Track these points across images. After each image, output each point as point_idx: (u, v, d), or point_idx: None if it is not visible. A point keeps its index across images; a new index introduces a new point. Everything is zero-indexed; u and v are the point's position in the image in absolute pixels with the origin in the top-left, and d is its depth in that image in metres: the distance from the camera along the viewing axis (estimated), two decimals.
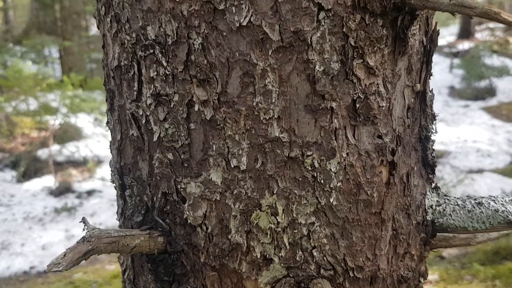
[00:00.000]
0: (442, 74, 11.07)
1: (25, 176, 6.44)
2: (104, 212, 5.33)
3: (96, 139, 7.59)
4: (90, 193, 5.94)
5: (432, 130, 1.02)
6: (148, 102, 0.90)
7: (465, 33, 14.42)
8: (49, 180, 6.22)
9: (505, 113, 8.56)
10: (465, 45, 12.94)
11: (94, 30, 13.35)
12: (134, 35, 0.88)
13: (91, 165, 6.79)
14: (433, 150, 1.03)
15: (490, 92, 9.70)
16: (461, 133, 7.49)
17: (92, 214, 5.27)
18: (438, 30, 0.95)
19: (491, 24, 13.65)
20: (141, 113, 0.92)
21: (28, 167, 6.56)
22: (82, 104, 6.79)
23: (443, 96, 10.03)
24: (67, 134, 7.33)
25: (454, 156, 6.51)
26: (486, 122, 8.15)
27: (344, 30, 0.81)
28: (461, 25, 14.75)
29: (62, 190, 5.91)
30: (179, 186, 0.91)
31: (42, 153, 7.00)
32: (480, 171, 5.89)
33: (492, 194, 1.01)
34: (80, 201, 5.69)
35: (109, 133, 1.06)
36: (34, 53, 9.54)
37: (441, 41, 13.18)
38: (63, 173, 6.57)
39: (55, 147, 6.98)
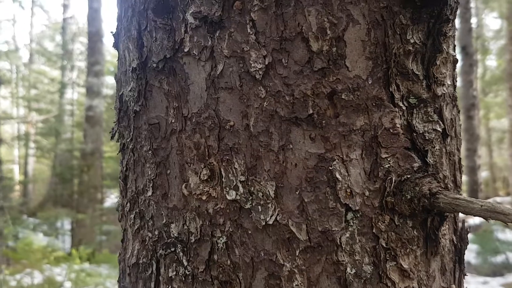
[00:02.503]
0: None
1: None
2: None
3: None
4: None
5: None
6: None
7: None
8: None
9: None
10: (475, 219, 12.91)
11: (109, 202, 13.72)
12: (156, 233, 0.87)
13: None
14: None
15: (508, 267, 9.29)
16: None
17: None
18: (467, 228, 0.92)
19: (499, 199, 13.82)
20: None
21: None
22: (87, 278, 6.57)
23: None
24: None
25: None
26: None
27: (374, 231, 0.79)
28: (468, 194, 15.01)
29: None
30: None
31: None
32: None
33: None
34: None
35: None
36: (46, 225, 9.65)
37: None
38: None
39: None
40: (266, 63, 0.81)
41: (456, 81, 0.95)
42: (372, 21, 0.81)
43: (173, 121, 0.88)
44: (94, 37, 10.37)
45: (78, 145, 12.01)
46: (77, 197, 10.91)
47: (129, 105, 0.97)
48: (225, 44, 0.84)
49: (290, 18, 0.81)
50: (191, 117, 0.86)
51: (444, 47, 0.87)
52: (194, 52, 0.86)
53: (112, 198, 14.27)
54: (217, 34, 0.84)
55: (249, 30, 0.82)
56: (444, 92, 0.88)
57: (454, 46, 0.94)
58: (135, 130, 0.95)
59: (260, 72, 0.82)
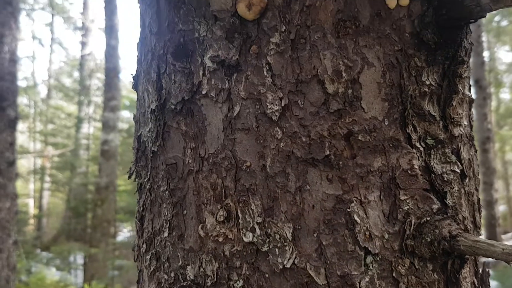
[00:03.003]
0: None
1: None
2: None
3: None
4: None
5: None
6: None
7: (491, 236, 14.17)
8: None
9: None
10: None
11: (122, 236, 13.68)
12: (172, 275, 0.86)
13: None
14: None
15: None
16: None
17: None
18: (488, 271, 0.90)
19: None
20: None
21: None
22: None
23: None
24: None
25: None
26: None
27: (394, 275, 0.77)
28: (486, 228, 14.61)
29: None
30: None
31: None
32: None
33: None
34: None
35: None
36: (59, 259, 9.62)
37: None
38: None
39: None
40: (283, 104, 0.82)
41: (473, 120, 0.95)
42: (387, 64, 0.82)
43: (190, 161, 0.89)
44: (111, 73, 10.61)
45: (92, 179, 12.11)
46: (90, 231, 10.90)
47: (147, 145, 0.98)
48: (242, 87, 0.85)
49: (306, 61, 0.82)
50: (208, 158, 0.87)
51: (460, 88, 0.87)
52: (211, 94, 0.88)
53: (125, 232, 14.23)
54: (234, 77, 0.86)
55: (265, 73, 0.84)
56: (461, 132, 0.88)
57: (470, 86, 0.94)
58: (153, 170, 0.96)
59: (277, 114, 0.83)
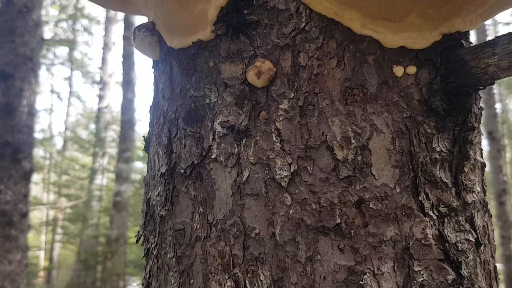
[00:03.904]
0: None
1: None
2: None
3: None
4: None
5: None
6: None
7: None
8: None
9: None
10: None
11: None
12: None
13: None
14: None
15: None
16: None
17: None
18: None
19: None
20: None
21: None
22: None
23: None
24: None
25: None
26: None
27: None
28: (504, 284, 13.96)
29: None
30: None
31: None
32: None
33: None
34: None
35: None
36: None
37: None
38: None
39: None
40: (292, 170, 0.82)
41: (486, 185, 0.93)
42: (396, 131, 0.82)
43: (198, 227, 0.88)
44: (126, 125, 10.82)
45: (103, 230, 12.04)
46: (100, 285, 10.69)
47: (155, 209, 0.97)
48: (251, 152, 0.85)
49: (314, 127, 0.83)
50: (216, 224, 0.86)
51: (471, 153, 0.86)
52: (221, 158, 0.88)
53: (134, 287, 13.92)
54: (243, 142, 0.86)
55: (274, 139, 0.84)
56: (474, 199, 0.86)
57: (481, 150, 0.93)
58: (160, 235, 0.94)
59: (286, 179, 0.82)
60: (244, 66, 0.88)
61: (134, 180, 12.63)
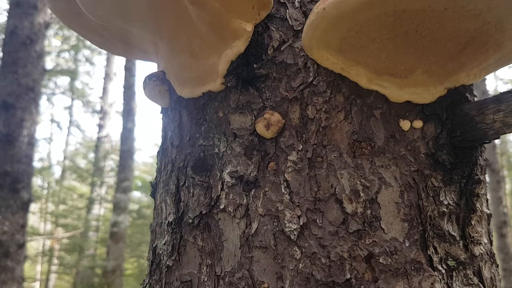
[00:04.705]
0: None
1: None
2: None
3: None
4: None
5: None
6: None
7: None
8: None
9: None
10: None
11: None
12: None
13: None
14: None
15: None
16: None
17: None
18: None
19: None
20: None
21: None
22: None
23: None
24: None
25: None
26: None
27: None
28: None
29: None
30: None
31: None
32: None
33: None
34: None
35: None
36: None
37: None
38: None
39: None
40: (301, 223, 0.82)
41: (492, 236, 0.93)
42: (404, 184, 0.83)
43: (205, 279, 0.87)
44: (125, 154, 10.82)
45: (100, 262, 11.85)
46: None
47: (162, 258, 0.97)
48: (260, 203, 0.86)
49: (323, 179, 0.84)
50: (224, 276, 0.85)
51: (478, 205, 0.87)
52: (229, 209, 0.88)
53: None
54: (252, 193, 0.87)
55: (283, 190, 0.85)
56: (481, 251, 0.86)
57: (487, 201, 0.94)
58: (167, 285, 0.94)
59: (295, 232, 0.82)
60: (253, 117, 0.90)
61: (131, 210, 12.53)
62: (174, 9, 0.85)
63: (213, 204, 0.91)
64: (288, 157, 0.86)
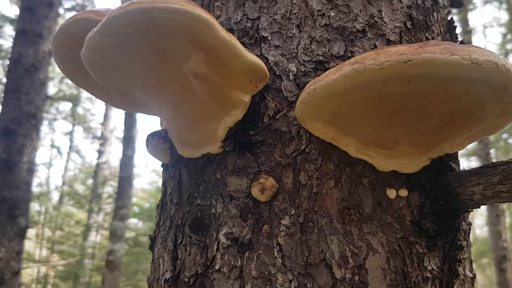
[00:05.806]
0: None
1: None
2: None
3: None
4: None
5: None
6: None
7: None
8: None
9: None
10: None
11: None
12: None
13: None
14: None
15: None
16: None
17: None
18: None
19: None
20: None
21: None
22: None
23: None
24: None
25: None
26: None
27: None
28: None
29: None
30: None
31: None
32: None
33: None
34: None
35: None
36: None
37: None
38: None
39: None
40: (292, 287, 0.86)
41: None
42: (390, 250, 0.87)
43: None
44: (124, 181, 10.82)
45: None
46: None
47: None
48: (254, 265, 0.90)
49: (314, 244, 0.88)
50: None
51: (460, 270, 0.91)
52: (224, 269, 0.93)
53: None
54: (246, 255, 0.91)
55: (276, 254, 0.89)
56: None
57: (471, 263, 0.98)
58: None
59: None
60: (249, 181, 0.95)
61: (128, 238, 12.45)
62: (178, 81, 0.92)
63: (208, 264, 0.95)
64: (281, 221, 0.91)
